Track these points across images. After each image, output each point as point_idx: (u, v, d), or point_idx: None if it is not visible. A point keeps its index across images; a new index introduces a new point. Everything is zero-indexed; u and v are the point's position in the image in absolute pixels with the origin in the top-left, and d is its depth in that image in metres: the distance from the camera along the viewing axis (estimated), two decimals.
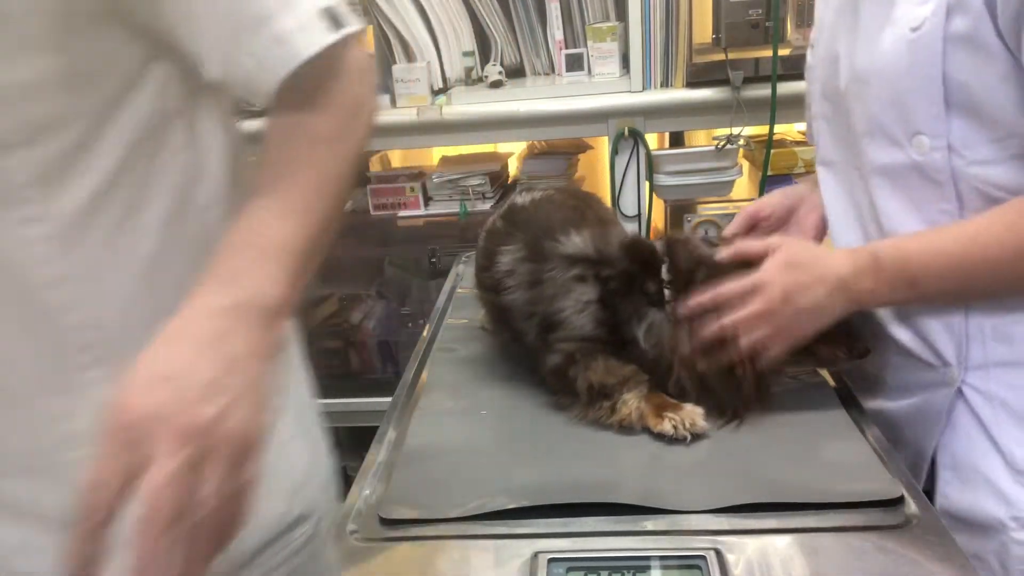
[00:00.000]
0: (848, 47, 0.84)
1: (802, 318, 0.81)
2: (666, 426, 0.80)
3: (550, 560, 0.66)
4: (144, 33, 0.60)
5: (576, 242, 0.89)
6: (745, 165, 2.01)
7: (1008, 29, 0.67)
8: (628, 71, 1.78)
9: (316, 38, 0.60)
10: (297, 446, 0.78)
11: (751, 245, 0.85)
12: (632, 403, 0.83)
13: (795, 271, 0.82)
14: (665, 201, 1.95)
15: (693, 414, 0.81)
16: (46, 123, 0.56)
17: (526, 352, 0.94)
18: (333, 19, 0.61)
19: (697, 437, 0.80)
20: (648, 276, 0.88)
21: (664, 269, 0.88)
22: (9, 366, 0.62)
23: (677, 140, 2.13)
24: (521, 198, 1.02)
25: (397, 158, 2.56)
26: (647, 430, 0.82)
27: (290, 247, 0.57)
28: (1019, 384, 0.78)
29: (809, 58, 0.97)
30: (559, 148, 2.11)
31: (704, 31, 1.74)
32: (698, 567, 0.64)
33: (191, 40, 0.60)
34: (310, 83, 0.61)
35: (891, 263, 0.79)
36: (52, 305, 0.60)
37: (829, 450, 0.78)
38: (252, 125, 0.75)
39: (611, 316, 0.86)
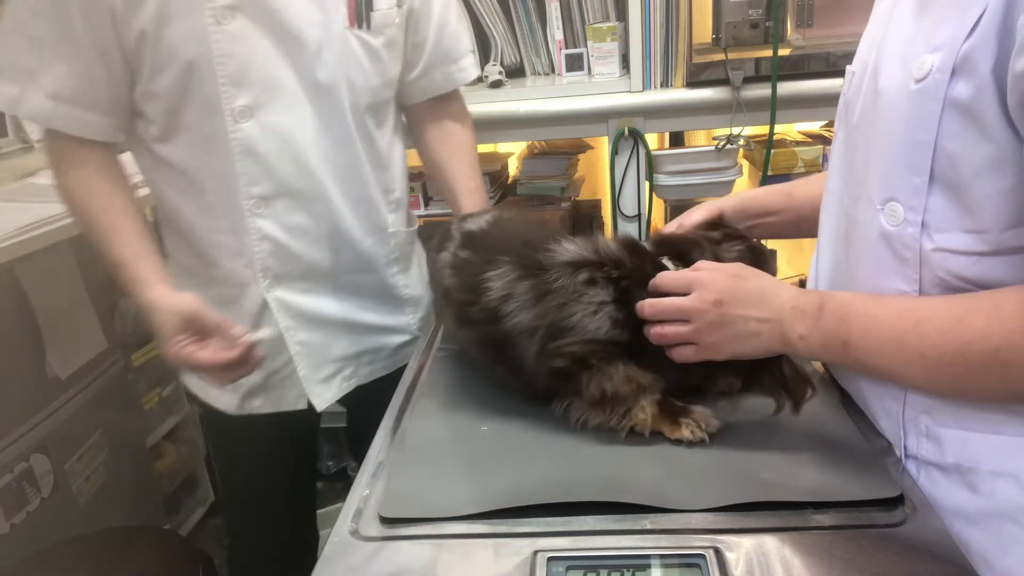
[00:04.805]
0: (873, 66, 0.75)
1: (726, 334, 0.78)
2: (684, 432, 0.80)
3: (550, 559, 0.66)
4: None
5: (571, 248, 0.86)
6: (745, 165, 2.01)
7: (1016, 107, 0.59)
8: (628, 71, 1.78)
9: (473, 73, 1.29)
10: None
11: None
12: (648, 410, 0.81)
13: (737, 281, 0.79)
14: (665, 201, 1.95)
15: (705, 415, 0.81)
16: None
17: (525, 381, 0.89)
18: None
19: (713, 435, 0.81)
20: (655, 270, 0.86)
21: (668, 261, 0.88)
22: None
23: (677, 140, 2.13)
24: (473, 224, 0.98)
25: None
26: (657, 435, 0.82)
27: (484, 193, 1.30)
28: (944, 485, 0.72)
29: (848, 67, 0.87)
30: (559, 148, 2.11)
31: (704, 31, 1.74)
32: (697, 566, 0.64)
33: (415, 59, 1.22)
34: (454, 96, 1.32)
35: (831, 316, 0.73)
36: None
37: (829, 450, 0.78)
38: None
39: (628, 316, 0.83)
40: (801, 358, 0.83)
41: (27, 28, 0.98)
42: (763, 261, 0.92)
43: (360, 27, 1.08)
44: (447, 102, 1.30)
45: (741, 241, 0.94)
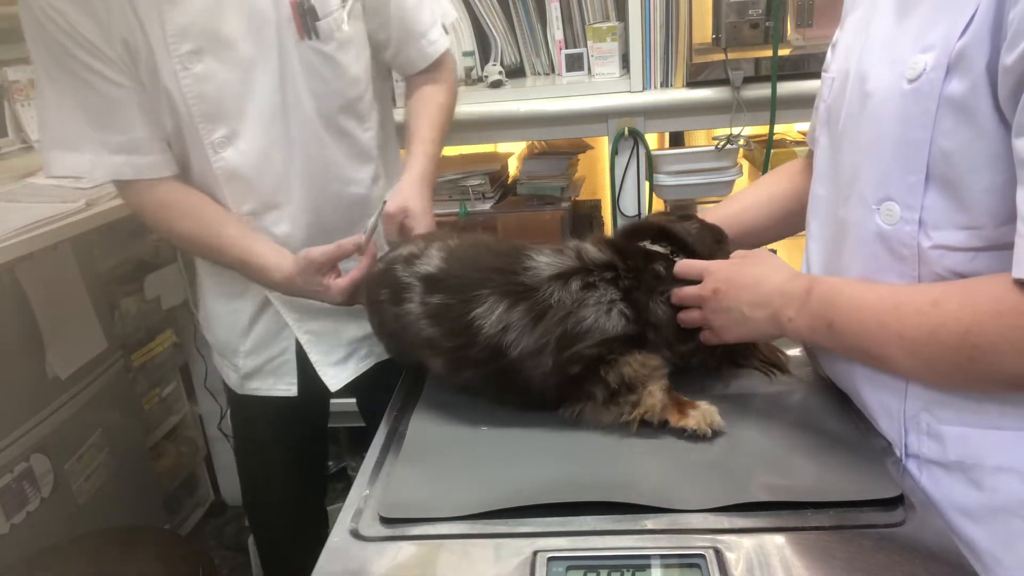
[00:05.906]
0: (857, 72, 0.76)
1: (727, 319, 0.84)
2: (690, 422, 0.81)
3: (549, 559, 0.66)
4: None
5: (550, 261, 0.87)
6: (745, 165, 2.01)
7: (1006, 100, 0.60)
8: (628, 71, 1.78)
9: (443, 44, 1.31)
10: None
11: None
12: (658, 395, 0.82)
13: (736, 268, 0.84)
14: (665, 201, 1.94)
15: (711, 411, 0.82)
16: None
17: (535, 398, 0.87)
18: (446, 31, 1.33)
19: (716, 434, 0.81)
20: (652, 261, 0.90)
21: (653, 245, 0.92)
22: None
23: (677, 140, 2.13)
24: (427, 266, 0.93)
25: None
26: (659, 432, 0.82)
27: (436, 157, 1.26)
28: (947, 483, 0.72)
29: (824, 73, 0.89)
30: (559, 148, 2.10)
31: (704, 31, 1.74)
32: (697, 566, 0.64)
33: (385, 40, 1.25)
34: (438, 64, 1.32)
35: (818, 299, 0.75)
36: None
37: (829, 450, 0.78)
38: None
39: (635, 310, 0.86)
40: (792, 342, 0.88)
41: (74, 99, 1.06)
42: (720, 236, 0.98)
43: (310, 38, 1.11)
44: (431, 72, 1.33)
45: (694, 219, 0.99)
